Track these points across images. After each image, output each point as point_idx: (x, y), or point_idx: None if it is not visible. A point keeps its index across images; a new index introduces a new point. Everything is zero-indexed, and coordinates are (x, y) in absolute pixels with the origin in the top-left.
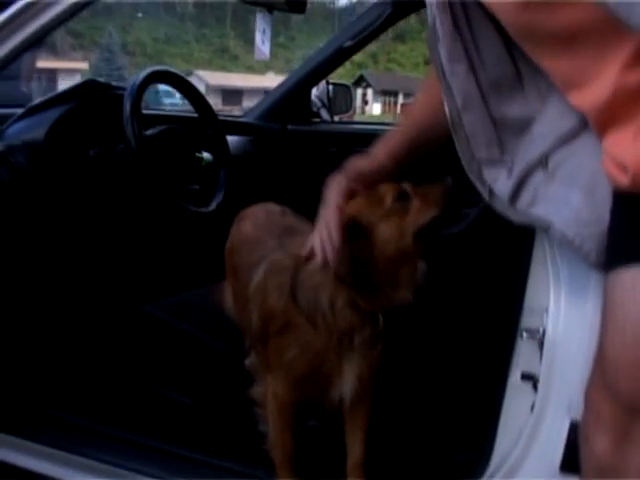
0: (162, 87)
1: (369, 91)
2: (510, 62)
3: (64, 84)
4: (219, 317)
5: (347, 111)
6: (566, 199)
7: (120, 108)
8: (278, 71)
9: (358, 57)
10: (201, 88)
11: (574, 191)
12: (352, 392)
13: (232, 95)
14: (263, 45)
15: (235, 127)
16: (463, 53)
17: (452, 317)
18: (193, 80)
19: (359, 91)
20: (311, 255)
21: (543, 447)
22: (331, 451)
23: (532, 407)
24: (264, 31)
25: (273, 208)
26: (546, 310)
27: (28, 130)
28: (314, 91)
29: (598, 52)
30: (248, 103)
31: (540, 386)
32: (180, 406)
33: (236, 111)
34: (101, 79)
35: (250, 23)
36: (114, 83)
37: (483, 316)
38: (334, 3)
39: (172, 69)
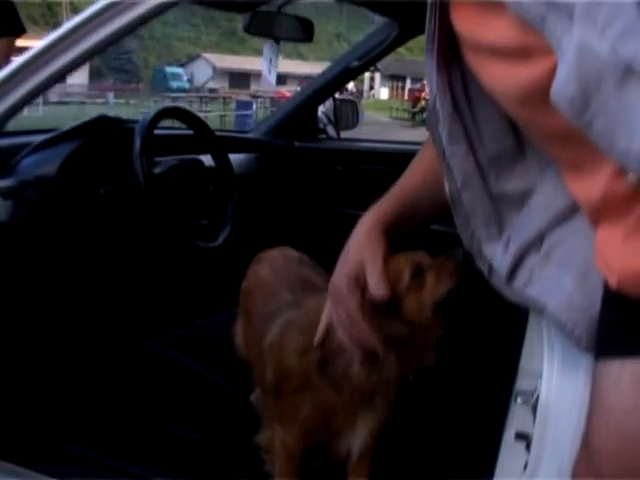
0: (169, 70)
1: (377, 75)
2: (511, 133)
3: None
4: (225, 351)
5: (354, 127)
6: (560, 283)
7: (130, 142)
8: (286, 55)
9: None
10: (208, 71)
11: (568, 275)
12: (361, 446)
13: (239, 78)
14: (270, 74)
15: (243, 144)
16: (463, 134)
17: (451, 376)
18: (201, 64)
19: (367, 75)
20: (328, 333)
21: None
22: None
23: (525, 466)
24: (271, 60)
25: (291, 254)
26: (540, 375)
27: (40, 164)
28: (321, 108)
29: (592, 153)
30: (255, 86)
31: (533, 447)
32: (188, 441)
33: (243, 95)
34: (111, 63)
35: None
36: (125, 119)
37: (480, 376)
38: None
39: (181, 106)
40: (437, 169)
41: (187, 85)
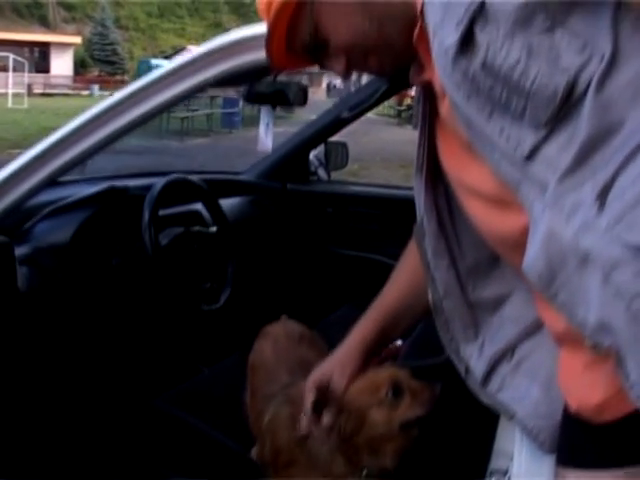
0: (155, 62)
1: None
2: (487, 244)
3: (57, 58)
4: (226, 406)
5: (343, 167)
6: (528, 392)
7: (138, 211)
8: None
9: None
10: None
11: (535, 385)
12: None
13: None
14: (266, 138)
15: (238, 187)
16: (445, 249)
17: (432, 451)
18: (186, 55)
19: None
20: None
21: None
22: None
23: None
24: (267, 125)
25: (293, 331)
26: (512, 456)
27: (53, 232)
28: (312, 151)
29: None
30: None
31: None
32: None
33: (229, 88)
34: (95, 55)
35: None
36: (131, 189)
37: (459, 455)
38: None
39: (188, 177)
40: (417, 281)
41: None
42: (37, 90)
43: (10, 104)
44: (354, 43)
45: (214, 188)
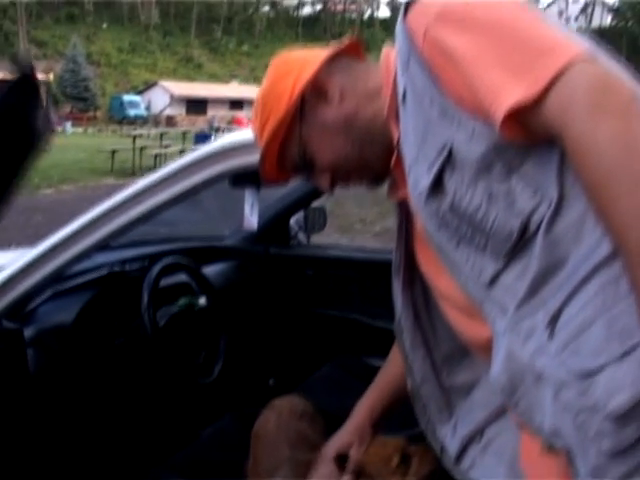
0: (127, 98)
1: None
2: None
3: None
4: (222, 471)
5: (321, 230)
6: (495, 471)
7: (136, 293)
8: (242, 80)
9: None
10: (166, 98)
11: (501, 465)
12: None
13: (196, 104)
14: (252, 217)
15: (222, 252)
16: (422, 341)
17: None
18: (158, 91)
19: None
20: None
21: None
22: None
23: None
24: (252, 205)
25: (297, 406)
26: None
27: (58, 313)
28: (292, 216)
29: None
30: (212, 112)
31: None
32: None
33: (200, 121)
34: (67, 91)
35: (213, 33)
36: (128, 268)
37: None
38: (298, 11)
39: (181, 260)
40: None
41: (145, 113)
42: None
43: None
44: (338, 164)
45: (201, 255)
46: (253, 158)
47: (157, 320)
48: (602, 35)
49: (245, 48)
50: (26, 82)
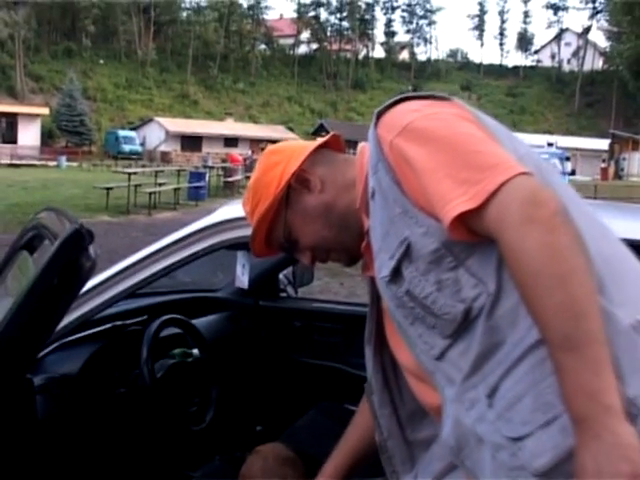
0: (122, 133)
1: None
2: None
3: (24, 129)
4: None
5: (308, 283)
6: None
7: (137, 344)
8: (238, 117)
9: (318, 105)
10: (161, 134)
11: None
12: None
13: (191, 141)
14: (243, 276)
15: (215, 304)
16: (389, 401)
17: None
18: (154, 127)
19: (319, 140)
20: None
21: None
22: None
23: None
24: (244, 265)
25: (280, 452)
26: None
27: (64, 363)
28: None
29: None
30: (207, 149)
31: None
32: None
33: (195, 157)
34: (63, 126)
35: (210, 70)
36: (129, 322)
37: None
38: (294, 49)
39: (176, 316)
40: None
41: (140, 148)
42: (4, 161)
43: None
44: (317, 244)
45: (195, 306)
46: (245, 232)
47: (155, 372)
48: (594, 79)
49: (241, 86)
50: (77, 235)
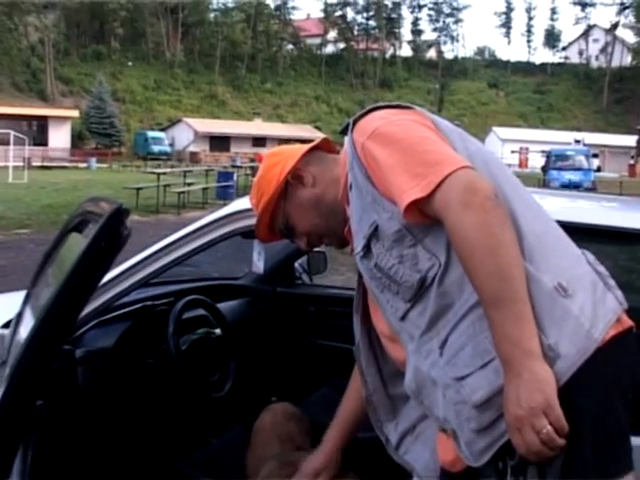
0: (151, 134)
1: None
2: None
3: (55, 131)
4: (232, 467)
5: (323, 272)
6: (422, 455)
7: (164, 322)
8: (266, 117)
9: (346, 105)
10: (189, 135)
11: (426, 450)
12: None
13: (220, 141)
14: (258, 262)
15: (236, 290)
16: (374, 360)
17: None
18: (182, 127)
19: (347, 139)
20: None
21: None
22: None
23: None
24: (259, 252)
25: (287, 410)
26: None
27: (101, 338)
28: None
29: None
30: (235, 149)
31: None
32: None
33: (223, 157)
34: (93, 128)
35: (237, 70)
36: (157, 303)
37: None
38: (321, 49)
39: (199, 297)
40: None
41: (169, 149)
42: (35, 163)
43: (10, 179)
44: (310, 231)
45: (218, 292)
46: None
47: (180, 345)
48: (622, 75)
49: (269, 86)
50: (118, 210)
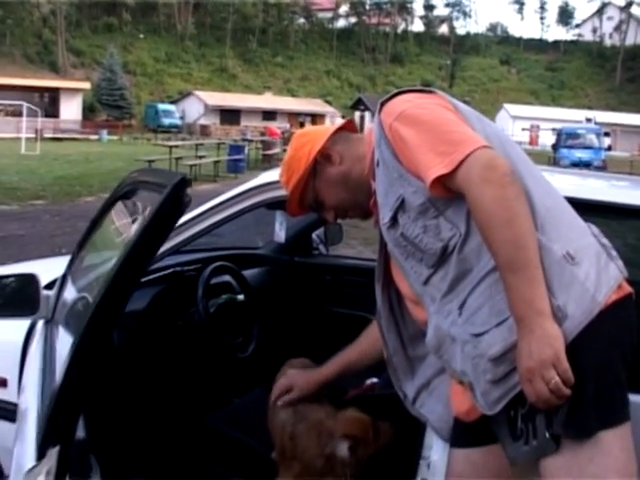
0: (162, 107)
1: (366, 114)
2: None
3: (66, 103)
4: (255, 423)
5: (339, 242)
6: (436, 409)
7: (192, 287)
8: (276, 91)
9: (357, 79)
10: (200, 108)
11: (440, 404)
12: None
13: (230, 114)
14: (280, 232)
15: (257, 260)
16: (394, 325)
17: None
18: (193, 100)
19: (357, 114)
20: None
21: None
22: None
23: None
24: (281, 223)
25: (305, 364)
26: (431, 448)
27: (134, 301)
28: (314, 231)
29: None
30: (245, 122)
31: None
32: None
33: (234, 131)
34: (104, 100)
35: (248, 44)
36: (186, 269)
37: (404, 449)
38: (332, 23)
39: (225, 263)
40: (372, 348)
41: (179, 122)
42: (47, 134)
43: (23, 150)
44: (338, 205)
45: (240, 261)
46: (281, 192)
47: (209, 308)
48: (636, 53)
49: (279, 59)
50: (183, 179)
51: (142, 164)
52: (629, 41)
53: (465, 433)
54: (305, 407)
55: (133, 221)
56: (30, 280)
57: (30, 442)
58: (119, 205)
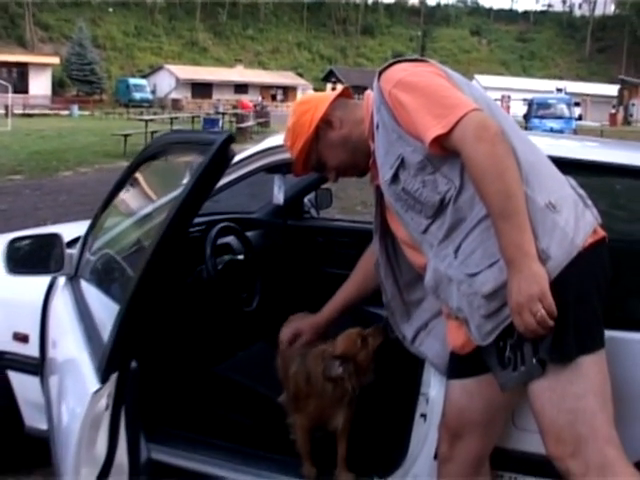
0: (133, 81)
1: (338, 86)
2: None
3: (35, 78)
4: (266, 369)
5: (328, 207)
6: (434, 346)
7: (200, 247)
8: (247, 64)
9: (328, 51)
10: (171, 82)
11: (438, 342)
12: (341, 425)
13: (202, 88)
14: (279, 194)
15: (252, 223)
16: (391, 272)
17: (385, 388)
18: (164, 74)
19: (329, 86)
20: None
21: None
22: (330, 450)
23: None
24: (280, 186)
25: (307, 316)
26: (429, 384)
27: None
28: (306, 196)
29: None
30: (217, 95)
31: (427, 421)
32: (242, 426)
33: (206, 104)
34: (73, 75)
35: (219, 16)
36: (192, 232)
37: (403, 386)
38: None
39: (232, 224)
40: (366, 276)
41: (150, 96)
42: (17, 110)
43: None
44: (339, 165)
45: (237, 224)
46: (284, 156)
47: (217, 265)
48: (605, 24)
49: (250, 32)
50: (230, 136)
51: (116, 139)
52: (598, 12)
53: (460, 365)
54: (313, 348)
55: (173, 179)
56: (54, 239)
57: (89, 374)
58: (149, 166)
